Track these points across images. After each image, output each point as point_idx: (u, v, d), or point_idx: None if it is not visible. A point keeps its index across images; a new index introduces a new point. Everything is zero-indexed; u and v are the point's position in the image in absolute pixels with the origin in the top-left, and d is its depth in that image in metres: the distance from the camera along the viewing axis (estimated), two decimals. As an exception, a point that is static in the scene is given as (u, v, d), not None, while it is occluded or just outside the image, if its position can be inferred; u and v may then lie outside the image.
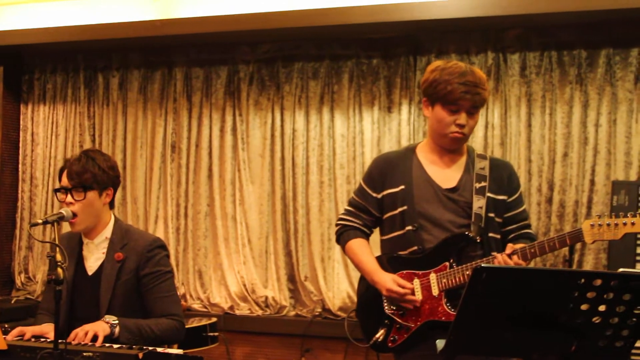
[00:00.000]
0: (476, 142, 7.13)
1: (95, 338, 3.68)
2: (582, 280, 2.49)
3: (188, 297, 8.05)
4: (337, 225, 4.45)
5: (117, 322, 3.81)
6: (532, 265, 3.92)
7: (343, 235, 4.37)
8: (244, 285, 7.89)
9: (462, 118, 3.95)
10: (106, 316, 3.84)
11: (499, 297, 2.54)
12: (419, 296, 3.99)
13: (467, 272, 3.87)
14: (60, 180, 4.14)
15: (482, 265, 2.43)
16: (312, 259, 7.70)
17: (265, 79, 7.95)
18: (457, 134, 3.99)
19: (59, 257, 3.33)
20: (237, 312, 7.85)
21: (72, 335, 3.70)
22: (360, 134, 7.60)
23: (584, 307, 2.54)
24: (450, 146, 4.10)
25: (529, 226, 4.29)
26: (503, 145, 7.16)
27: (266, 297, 7.81)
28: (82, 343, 3.63)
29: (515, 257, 3.82)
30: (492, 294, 2.52)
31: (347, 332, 4.74)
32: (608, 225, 3.68)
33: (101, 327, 3.74)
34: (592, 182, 6.95)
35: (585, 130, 6.98)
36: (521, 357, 2.95)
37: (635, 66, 6.89)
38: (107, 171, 4.14)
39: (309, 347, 7.46)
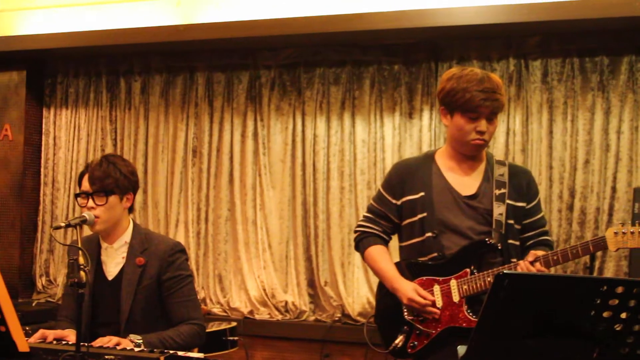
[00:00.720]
0: (497, 148, 7.13)
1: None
2: (605, 288, 2.48)
3: (208, 301, 8.07)
4: (355, 232, 4.45)
5: (141, 340, 3.81)
6: (552, 272, 3.91)
7: (362, 242, 4.37)
8: (264, 290, 7.90)
9: (482, 125, 3.95)
10: (130, 335, 3.83)
11: (520, 303, 2.54)
12: (439, 303, 3.99)
13: (489, 279, 3.86)
14: (80, 185, 4.15)
15: (505, 271, 2.43)
16: (332, 264, 7.71)
17: (287, 84, 7.97)
18: (479, 140, 3.99)
19: (81, 260, 3.34)
20: (257, 317, 7.87)
21: (97, 341, 3.72)
22: (381, 139, 7.61)
23: (605, 314, 2.53)
24: (472, 153, 4.10)
25: (547, 233, 4.29)
26: (524, 151, 7.14)
27: (286, 302, 7.82)
28: (104, 345, 3.65)
29: (537, 265, 3.82)
30: (513, 301, 2.52)
31: (367, 337, 4.73)
32: (632, 233, 3.68)
33: (125, 342, 3.75)
34: (614, 189, 6.93)
35: (607, 137, 6.96)
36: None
37: (658, 73, 6.88)
38: (128, 176, 4.16)
39: (328, 352, 7.46)
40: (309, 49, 7.83)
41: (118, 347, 3.65)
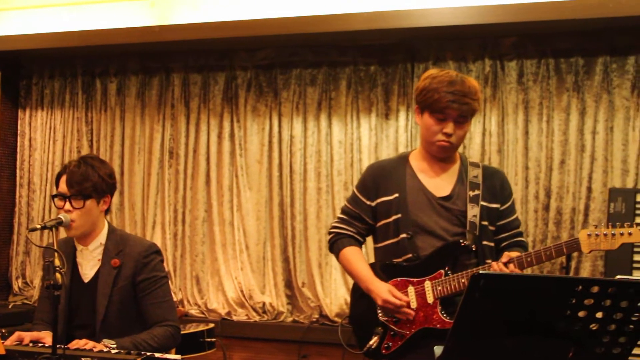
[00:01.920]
0: (474, 149, 7.15)
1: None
2: (580, 287, 2.49)
3: (185, 302, 8.05)
4: (330, 233, 4.45)
5: (114, 345, 3.80)
6: (528, 272, 3.93)
7: (337, 243, 4.38)
8: (242, 291, 7.89)
9: (449, 127, 3.96)
10: (104, 340, 3.82)
11: (496, 304, 2.55)
12: (413, 304, 4.00)
13: (463, 280, 3.88)
14: (57, 186, 4.13)
15: (480, 272, 2.44)
16: (309, 265, 7.71)
17: (263, 85, 7.96)
18: (444, 142, 4.01)
19: (57, 262, 3.33)
20: (235, 318, 7.86)
21: (73, 344, 3.70)
22: (357, 140, 7.62)
23: (581, 314, 2.55)
24: (438, 154, 4.11)
25: (521, 234, 4.31)
26: (500, 152, 7.17)
27: (263, 303, 7.81)
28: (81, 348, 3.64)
29: (511, 266, 3.83)
30: (489, 301, 2.53)
31: (341, 338, 4.74)
32: (605, 235, 3.71)
33: (100, 347, 3.73)
34: (589, 190, 6.96)
35: (582, 138, 7.00)
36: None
37: (632, 74, 6.91)
38: (106, 179, 4.14)
39: (306, 353, 7.46)
40: (285, 49, 7.83)
41: (92, 347, 3.65)
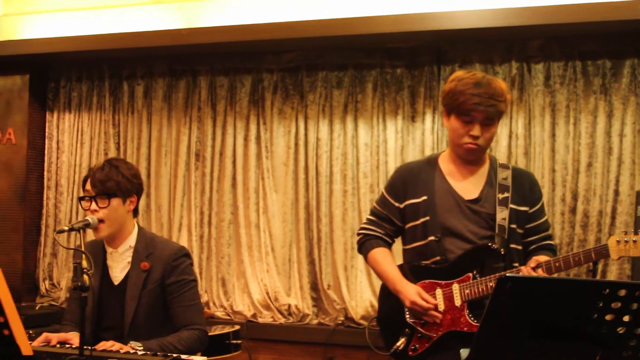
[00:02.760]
0: (500, 151, 7.13)
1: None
2: (607, 291, 2.48)
3: (211, 304, 8.07)
4: (358, 234, 4.45)
5: (141, 347, 3.82)
6: (555, 275, 3.91)
7: (365, 245, 4.37)
8: (267, 293, 7.90)
9: (476, 129, 3.93)
10: (131, 342, 3.84)
11: (523, 307, 2.54)
12: (441, 307, 3.98)
13: (491, 284, 3.85)
14: (84, 189, 4.16)
15: (507, 274, 2.44)
16: (335, 268, 7.71)
17: (289, 87, 7.97)
18: (471, 145, 3.98)
19: (85, 264, 3.35)
20: (260, 320, 7.87)
21: (100, 345, 3.72)
22: (383, 143, 7.61)
23: (608, 317, 2.54)
24: (466, 156, 4.09)
25: (550, 237, 4.28)
26: (527, 155, 7.15)
27: (289, 305, 7.82)
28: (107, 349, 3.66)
29: (539, 271, 3.81)
30: (516, 304, 2.52)
31: (369, 340, 4.74)
32: (635, 242, 3.69)
33: (126, 349, 3.75)
34: (616, 193, 6.93)
35: (609, 140, 6.97)
36: (545, 367, 2.95)
37: (660, 76, 6.89)
38: (131, 179, 4.16)
39: (332, 356, 7.46)
40: (312, 52, 7.84)
41: (118, 348, 3.66)
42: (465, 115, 3.92)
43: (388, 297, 4.21)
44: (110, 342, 3.74)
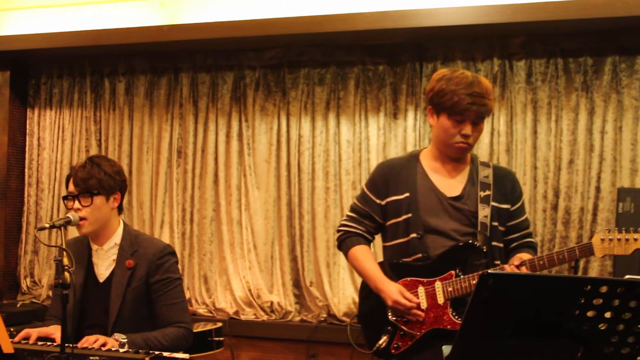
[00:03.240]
0: (482, 148, 7.15)
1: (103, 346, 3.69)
2: (589, 287, 2.49)
3: (193, 301, 8.06)
4: (338, 231, 4.43)
5: (125, 339, 3.82)
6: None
7: (345, 242, 4.36)
8: (250, 291, 7.90)
9: (468, 128, 3.94)
10: (115, 334, 3.85)
11: (505, 303, 2.54)
12: (423, 304, 3.98)
13: (473, 281, 3.86)
14: (67, 187, 4.16)
15: (489, 271, 2.44)
16: (317, 265, 7.72)
17: (272, 84, 7.97)
18: (463, 144, 3.99)
19: (66, 261, 3.34)
20: (243, 317, 7.86)
21: (83, 340, 3.72)
22: (366, 140, 7.62)
23: (590, 313, 2.54)
24: (456, 155, 4.10)
25: (531, 235, 4.30)
26: (509, 152, 7.16)
27: (271, 303, 7.82)
28: (89, 347, 3.65)
29: (523, 268, 3.82)
30: (498, 301, 2.52)
31: (351, 338, 4.73)
32: (619, 240, 3.70)
33: (111, 340, 3.75)
34: (598, 189, 6.95)
35: (591, 138, 6.99)
36: (527, 364, 2.96)
37: (641, 73, 6.91)
38: (113, 176, 4.15)
39: (314, 353, 7.46)
40: (294, 49, 7.83)
41: (104, 347, 3.66)
42: (458, 115, 3.92)
43: (369, 294, 4.20)
44: (94, 336, 3.74)
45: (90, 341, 3.69)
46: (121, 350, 3.66)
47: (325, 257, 7.68)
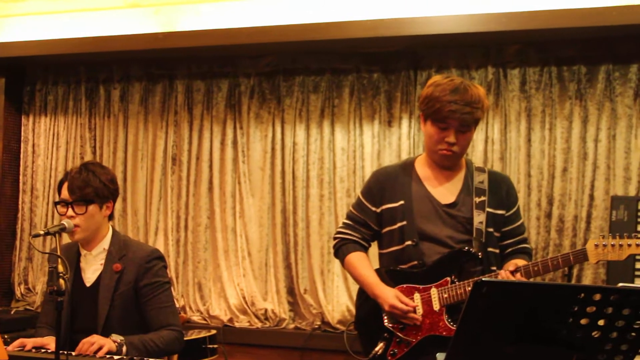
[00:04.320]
0: (476, 156, 7.15)
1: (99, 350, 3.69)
2: (582, 295, 2.50)
3: (187, 309, 8.05)
4: (335, 238, 4.44)
5: (123, 340, 3.82)
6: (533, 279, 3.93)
7: (342, 249, 4.37)
8: (244, 298, 7.89)
9: (451, 136, 3.94)
10: (113, 335, 3.85)
11: (499, 311, 2.55)
12: (419, 311, 3.99)
13: (469, 288, 3.86)
14: (60, 193, 4.15)
15: (483, 279, 2.45)
16: (311, 272, 7.71)
17: (266, 92, 7.97)
18: (446, 151, 4.00)
19: (60, 268, 3.35)
20: (237, 325, 7.85)
21: (80, 345, 3.72)
22: (360, 147, 7.62)
23: (583, 321, 2.55)
24: (441, 162, 4.11)
25: (526, 240, 4.31)
26: (503, 159, 7.17)
27: (265, 310, 7.81)
28: (84, 354, 3.65)
29: (518, 275, 3.83)
30: (492, 308, 2.53)
31: (347, 345, 4.73)
32: (612, 245, 3.71)
33: (108, 343, 3.75)
34: (592, 197, 6.96)
35: (584, 146, 7.00)
36: (521, 371, 2.96)
37: (635, 82, 6.92)
38: (108, 184, 4.16)
39: (308, 360, 7.46)
40: (288, 57, 7.84)
41: (101, 350, 3.65)
42: (441, 122, 3.93)
43: (365, 301, 4.21)
44: (91, 339, 3.74)
45: (86, 347, 3.70)
46: (116, 358, 3.65)
47: (319, 265, 7.67)
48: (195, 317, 8.01)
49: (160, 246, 8.02)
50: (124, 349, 3.80)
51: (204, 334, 6.70)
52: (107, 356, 3.66)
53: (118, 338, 3.82)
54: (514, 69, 7.23)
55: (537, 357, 2.66)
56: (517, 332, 2.60)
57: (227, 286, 7.97)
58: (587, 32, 6.61)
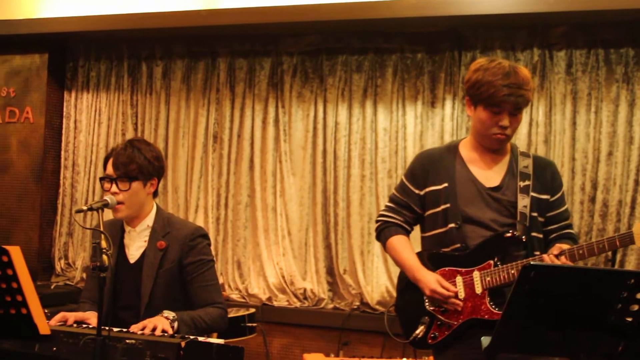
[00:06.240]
0: (520, 139, 7.09)
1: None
2: (632, 281, 2.46)
3: (227, 287, 8.07)
4: (377, 221, 4.42)
5: (175, 317, 3.83)
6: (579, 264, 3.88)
7: (384, 232, 4.34)
8: (283, 277, 7.90)
9: (505, 120, 3.90)
10: (165, 311, 3.87)
11: (546, 295, 2.52)
12: (461, 294, 3.96)
13: (512, 271, 3.82)
14: (105, 168, 4.17)
15: (531, 262, 2.41)
16: (351, 253, 7.70)
17: (309, 71, 7.95)
18: (500, 135, 3.95)
19: (104, 244, 3.35)
20: (275, 304, 7.86)
21: (132, 328, 3.73)
22: (402, 128, 7.58)
23: (632, 307, 2.51)
24: (493, 146, 4.06)
25: (570, 226, 4.24)
26: (547, 143, 7.10)
27: (304, 289, 7.81)
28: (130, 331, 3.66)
29: (562, 258, 3.78)
30: (539, 293, 2.50)
31: (387, 326, 4.70)
32: (661, 229, 3.65)
33: (161, 322, 3.75)
34: (637, 182, 6.88)
35: (630, 130, 6.92)
36: (567, 357, 2.92)
37: (683, 65, 6.83)
38: (153, 162, 4.17)
39: (347, 340, 7.44)
40: (332, 35, 7.80)
41: (156, 332, 3.65)
42: (495, 107, 3.87)
43: (407, 284, 4.18)
44: (142, 323, 3.75)
45: (139, 327, 3.71)
46: (157, 333, 3.65)
47: (359, 245, 7.66)
48: (234, 295, 8.03)
49: (200, 223, 8.03)
50: (176, 324, 3.82)
51: (242, 312, 6.73)
52: (161, 332, 3.67)
53: (170, 314, 3.84)
54: (560, 50, 7.15)
55: (584, 343, 2.62)
56: (563, 317, 2.56)
57: (266, 265, 7.98)
58: (635, 14, 6.51)
